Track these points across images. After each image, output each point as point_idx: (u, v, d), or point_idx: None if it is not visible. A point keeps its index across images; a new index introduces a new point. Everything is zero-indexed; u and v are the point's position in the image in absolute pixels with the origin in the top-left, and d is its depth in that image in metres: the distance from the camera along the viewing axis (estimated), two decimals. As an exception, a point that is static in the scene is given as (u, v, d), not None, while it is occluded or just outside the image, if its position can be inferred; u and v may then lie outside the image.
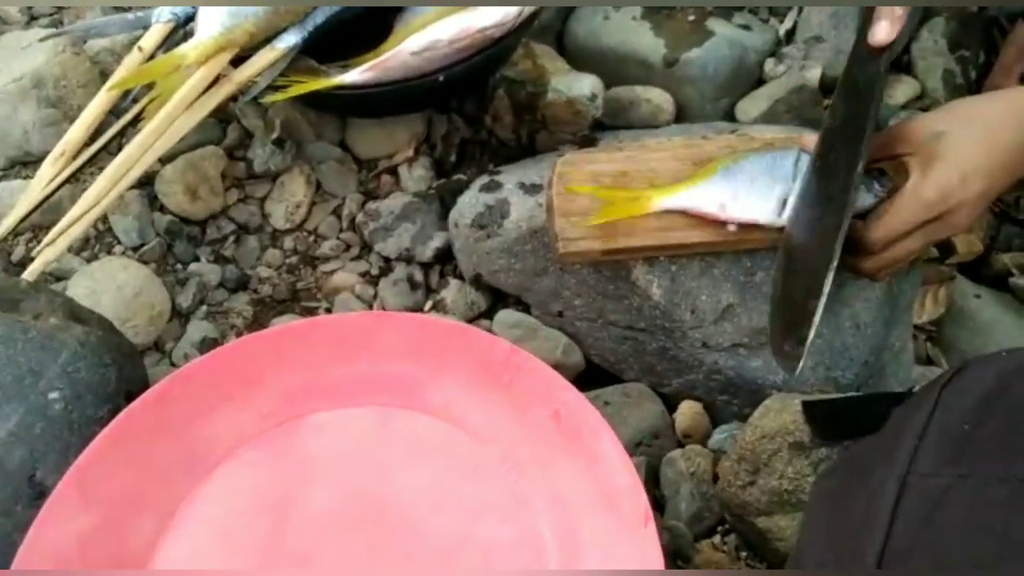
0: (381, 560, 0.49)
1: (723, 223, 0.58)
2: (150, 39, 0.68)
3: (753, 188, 0.58)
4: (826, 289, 0.50)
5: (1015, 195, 0.86)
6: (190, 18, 0.69)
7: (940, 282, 0.78)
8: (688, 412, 0.65)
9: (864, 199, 0.56)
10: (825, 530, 0.41)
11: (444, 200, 0.75)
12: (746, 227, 0.58)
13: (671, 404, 0.66)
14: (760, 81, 0.83)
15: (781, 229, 0.58)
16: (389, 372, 0.55)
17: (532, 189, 0.66)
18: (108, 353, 0.54)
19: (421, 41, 0.64)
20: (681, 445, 0.65)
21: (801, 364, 0.50)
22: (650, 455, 0.64)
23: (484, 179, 0.70)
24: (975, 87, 0.87)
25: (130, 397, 0.53)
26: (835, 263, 0.50)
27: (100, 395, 0.52)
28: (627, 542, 0.47)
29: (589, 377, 0.69)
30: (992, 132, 0.50)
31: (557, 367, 0.68)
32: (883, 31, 0.52)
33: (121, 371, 0.54)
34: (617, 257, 0.58)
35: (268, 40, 0.67)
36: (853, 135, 0.53)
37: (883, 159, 0.56)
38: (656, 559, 0.45)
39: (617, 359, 0.67)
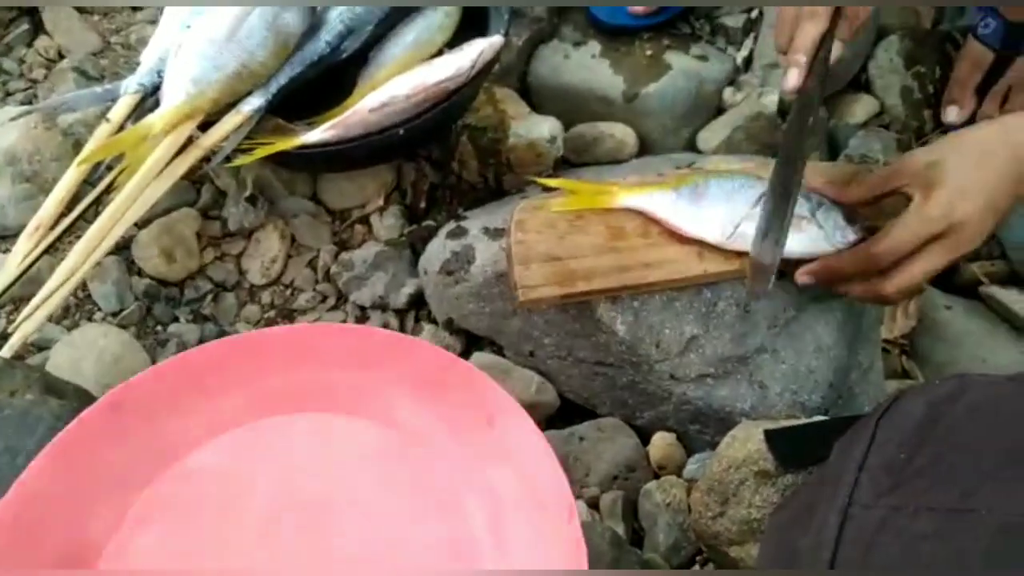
0: (322, 560, 0.52)
1: (671, 232, 0.61)
2: (119, 110, 0.70)
3: (712, 208, 0.61)
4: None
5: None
6: (157, 87, 0.71)
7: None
8: (661, 444, 0.66)
9: (836, 237, 0.60)
10: (776, 564, 0.42)
11: (415, 247, 0.77)
12: (693, 244, 0.61)
13: (645, 436, 0.67)
14: (720, 110, 0.85)
15: (740, 254, 0.60)
16: (333, 380, 0.57)
17: (495, 233, 0.68)
18: (84, 424, 0.55)
19: (378, 98, 0.66)
20: (657, 476, 0.66)
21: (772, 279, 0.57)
22: (627, 488, 0.65)
23: (451, 225, 0.72)
24: (933, 101, 0.88)
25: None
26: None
27: (77, 466, 0.53)
28: (553, 538, 0.50)
29: (564, 413, 0.70)
30: (983, 153, 0.54)
31: (532, 406, 0.69)
32: (792, 79, 0.58)
33: (97, 441, 0.55)
34: (577, 300, 0.59)
35: (233, 104, 0.69)
36: (790, 165, 0.58)
37: (884, 195, 0.59)
38: (580, 553, 0.48)
39: (590, 395, 0.68)
